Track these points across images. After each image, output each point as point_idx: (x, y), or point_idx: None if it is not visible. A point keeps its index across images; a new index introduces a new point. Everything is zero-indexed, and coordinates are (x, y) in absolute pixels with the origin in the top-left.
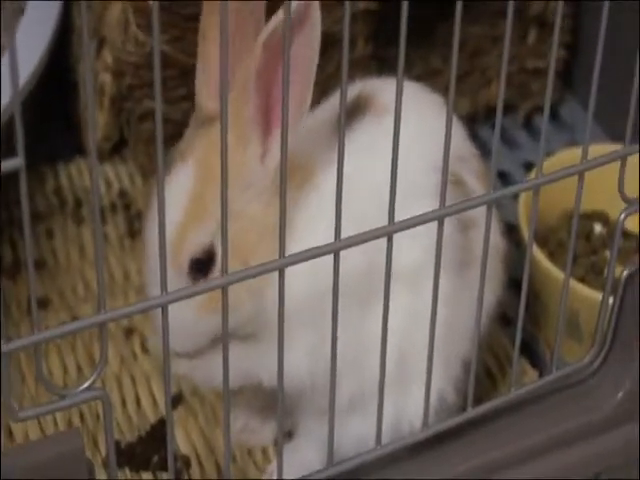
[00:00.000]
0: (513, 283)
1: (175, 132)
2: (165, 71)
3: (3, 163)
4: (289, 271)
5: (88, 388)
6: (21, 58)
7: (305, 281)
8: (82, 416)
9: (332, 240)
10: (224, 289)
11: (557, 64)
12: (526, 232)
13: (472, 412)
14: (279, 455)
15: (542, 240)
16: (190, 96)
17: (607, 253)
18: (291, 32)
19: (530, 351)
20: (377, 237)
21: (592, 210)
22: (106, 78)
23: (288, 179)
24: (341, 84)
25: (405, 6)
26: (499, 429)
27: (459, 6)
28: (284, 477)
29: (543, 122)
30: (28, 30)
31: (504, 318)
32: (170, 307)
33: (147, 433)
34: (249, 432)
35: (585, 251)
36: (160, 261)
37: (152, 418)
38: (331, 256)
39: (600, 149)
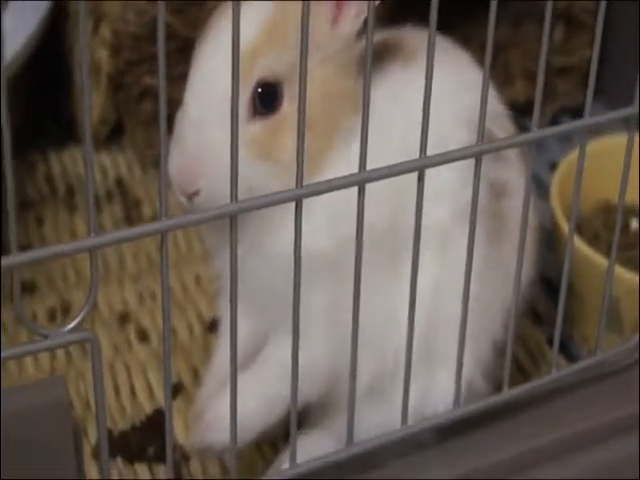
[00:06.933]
0: (541, 280)
1: (174, 112)
2: (166, 44)
3: None
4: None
5: (75, 328)
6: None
7: (322, 233)
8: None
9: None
10: (233, 218)
11: (583, 63)
12: (560, 216)
13: (507, 393)
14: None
15: (576, 231)
16: None
17: None
18: None
19: (563, 348)
20: (408, 171)
21: (628, 204)
22: (103, 55)
23: None
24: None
25: None
26: (532, 419)
27: None
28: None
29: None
30: (17, 11)
31: (534, 315)
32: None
33: (142, 423)
34: None
35: (621, 245)
36: (161, 186)
37: (148, 408)
38: (353, 205)
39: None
